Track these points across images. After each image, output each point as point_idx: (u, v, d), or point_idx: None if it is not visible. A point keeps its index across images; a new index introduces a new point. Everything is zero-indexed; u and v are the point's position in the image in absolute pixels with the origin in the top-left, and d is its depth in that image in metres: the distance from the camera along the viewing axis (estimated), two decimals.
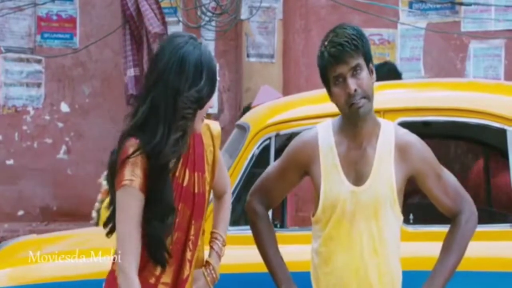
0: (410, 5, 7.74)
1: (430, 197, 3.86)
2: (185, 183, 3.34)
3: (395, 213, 3.71)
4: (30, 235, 6.56)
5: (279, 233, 4.31)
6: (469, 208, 3.81)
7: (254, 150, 4.85)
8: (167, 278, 3.36)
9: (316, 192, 3.75)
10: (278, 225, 4.86)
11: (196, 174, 3.38)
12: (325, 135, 3.74)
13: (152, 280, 3.34)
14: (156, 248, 3.28)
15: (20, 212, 7.86)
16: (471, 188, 5.73)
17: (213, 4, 7.22)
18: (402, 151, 3.71)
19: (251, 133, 4.90)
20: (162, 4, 7.37)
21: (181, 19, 7.61)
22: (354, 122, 3.68)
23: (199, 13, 7.24)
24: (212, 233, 3.64)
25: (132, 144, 3.21)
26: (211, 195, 3.66)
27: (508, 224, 4.71)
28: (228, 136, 5.52)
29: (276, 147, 4.84)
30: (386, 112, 4.60)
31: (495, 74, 7.46)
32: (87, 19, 7.91)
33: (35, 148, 7.89)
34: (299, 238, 4.55)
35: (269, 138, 4.85)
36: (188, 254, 3.38)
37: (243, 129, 5.06)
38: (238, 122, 5.44)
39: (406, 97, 5.05)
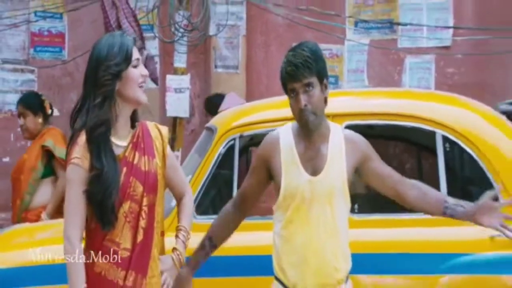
0: (356, 24, 7.77)
1: (378, 178, 3.90)
2: (135, 162, 3.41)
3: (345, 199, 3.83)
4: (24, 223, 6.55)
5: (243, 222, 4.33)
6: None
7: (221, 149, 4.88)
8: (126, 244, 3.39)
9: (276, 185, 3.82)
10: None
11: (145, 157, 3.45)
12: (285, 136, 3.83)
13: (114, 247, 3.37)
14: (102, 213, 3.32)
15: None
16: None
17: (185, 22, 7.20)
18: (350, 143, 3.82)
19: (218, 134, 4.93)
20: (140, 22, 7.37)
21: (157, 35, 7.61)
22: (307, 132, 3.77)
23: (172, 29, 7.23)
24: (177, 226, 3.68)
25: (75, 126, 3.38)
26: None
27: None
28: (199, 137, 5.53)
29: (240, 147, 4.89)
30: (335, 116, 4.65)
31: (426, 84, 7.54)
32: (74, 34, 7.89)
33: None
34: (261, 225, 4.57)
35: (234, 139, 4.88)
36: (142, 222, 3.41)
37: (211, 131, 5.08)
38: (207, 124, 5.47)
39: (352, 103, 5.10)
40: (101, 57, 3.35)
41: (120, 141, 3.41)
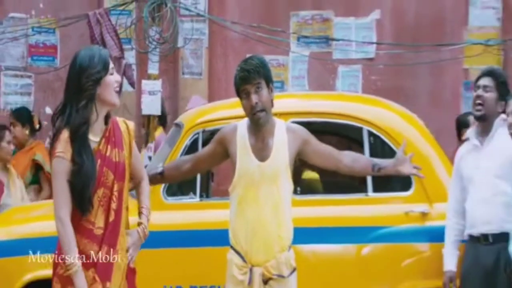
0: (298, 39, 7.79)
1: (319, 155, 3.95)
2: (107, 154, 3.42)
3: (288, 181, 3.86)
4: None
5: (206, 202, 4.34)
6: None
7: (187, 141, 4.87)
8: (100, 223, 3.41)
9: (233, 167, 3.83)
10: (205, 196, 4.85)
11: (116, 149, 3.44)
12: (241, 129, 3.88)
13: (90, 226, 3.38)
14: (81, 201, 3.34)
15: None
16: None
17: (157, 36, 7.18)
18: (291, 133, 3.88)
19: (185, 129, 4.91)
20: (120, 36, 7.31)
21: (134, 46, 7.56)
22: (257, 127, 3.79)
23: (147, 42, 7.20)
24: (140, 207, 3.66)
25: (59, 125, 3.37)
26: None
27: (363, 194, 4.80)
28: (168, 131, 5.50)
29: (203, 140, 4.86)
30: (282, 115, 4.67)
31: (355, 89, 7.60)
32: (65, 46, 7.83)
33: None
34: (220, 205, 4.57)
35: (198, 133, 4.87)
36: (113, 205, 3.42)
37: (179, 126, 5.07)
38: (175, 121, 5.44)
39: (295, 104, 5.12)
40: (84, 66, 3.33)
41: (94, 137, 3.40)
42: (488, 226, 4.28)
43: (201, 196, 4.76)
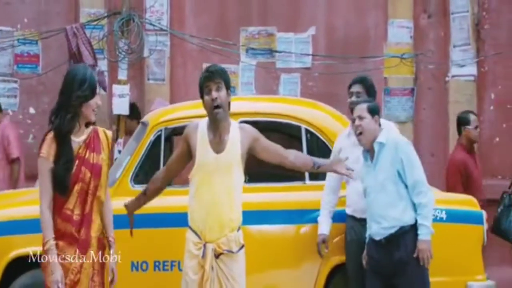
0: (247, 51, 7.77)
1: (266, 151, 3.95)
2: (86, 157, 3.55)
3: (240, 172, 3.83)
4: (8, 190, 6.35)
5: (168, 189, 4.29)
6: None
7: (151, 137, 4.83)
8: (77, 211, 3.55)
9: (193, 158, 3.79)
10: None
11: (94, 153, 3.59)
12: (202, 126, 3.86)
13: (69, 213, 3.54)
14: (61, 187, 3.49)
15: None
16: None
17: (126, 47, 7.11)
18: (243, 132, 3.91)
19: (150, 127, 4.86)
20: (94, 47, 7.22)
21: (106, 56, 7.47)
22: (215, 123, 3.76)
23: (117, 52, 7.12)
24: (108, 239, 3.75)
25: (50, 127, 3.58)
26: None
27: (301, 182, 4.81)
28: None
29: (165, 136, 4.81)
30: (233, 115, 4.63)
31: (295, 94, 7.62)
32: (46, 55, 7.67)
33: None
34: (180, 192, 4.53)
35: (161, 130, 4.84)
36: (89, 198, 3.57)
37: (145, 124, 5.00)
38: (141, 120, 5.36)
39: (245, 106, 5.10)
40: (75, 87, 3.52)
41: (77, 139, 3.57)
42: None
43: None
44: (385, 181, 4.12)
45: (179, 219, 4.13)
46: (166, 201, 4.60)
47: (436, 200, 4.72)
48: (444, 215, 4.60)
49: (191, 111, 4.91)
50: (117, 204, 4.58)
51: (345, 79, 7.54)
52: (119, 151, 6.88)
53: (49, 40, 7.44)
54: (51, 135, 3.53)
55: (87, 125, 3.63)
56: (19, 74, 7.64)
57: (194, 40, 7.54)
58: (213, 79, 3.77)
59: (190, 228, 3.84)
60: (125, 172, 4.74)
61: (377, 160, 4.19)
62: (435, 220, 4.55)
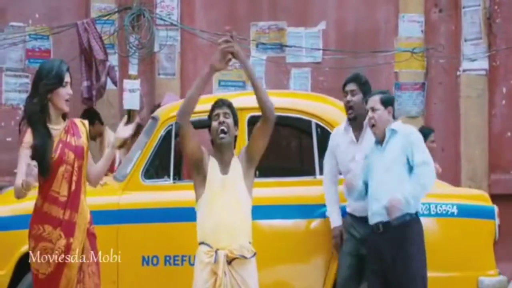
0: (257, 46, 7.74)
1: (255, 144, 3.98)
2: (67, 140, 3.69)
3: (247, 188, 3.93)
4: None
5: (178, 184, 4.28)
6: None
7: (162, 132, 4.82)
8: (64, 192, 3.64)
9: (203, 178, 3.91)
10: (177, 178, 4.79)
11: (74, 137, 3.71)
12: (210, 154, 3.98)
13: (55, 195, 3.62)
14: (42, 167, 3.54)
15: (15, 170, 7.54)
16: (296, 155, 5.81)
17: (136, 42, 7.11)
18: (241, 154, 3.98)
19: (160, 121, 4.85)
20: (105, 42, 7.22)
21: (116, 51, 7.47)
22: (220, 149, 3.78)
23: (128, 47, 7.13)
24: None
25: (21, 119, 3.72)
26: None
27: (312, 176, 4.78)
28: (146, 123, 5.43)
29: (176, 131, 4.79)
30: (243, 110, 4.62)
31: (305, 88, 7.60)
32: (57, 50, 7.68)
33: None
34: (190, 186, 4.51)
35: (171, 125, 4.82)
36: (74, 178, 3.66)
37: (155, 119, 4.99)
38: (152, 115, 5.36)
39: (255, 101, 5.04)
40: (43, 75, 3.63)
41: (55, 127, 3.68)
42: (365, 212, 4.31)
43: (174, 178, 4.70)
44: (391, 162, 4.08)
45: (189, 214, 4.11)
46: (177, 195, 4.59)
47: (447, 195, 4.70)
48: (455, 210, 4.55)
49: (201, 106, 4.87)
50: (127, 198, 4.60)
51: None
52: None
53: (60, 35, 7.44)
54: (29, 129, 3.63)
55: (64, 117, 3.73)
56: (31, 69, 7.64)
57: (205, 35, 7.52)
58: (222, 108, 3.93)
59: (202, 243, 3.86)
60: (135, 167, 4.73)
61: (387, 143, 4.16)
62: (447, 215, 4.51)
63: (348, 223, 4.45)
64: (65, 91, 3.66)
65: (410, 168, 4.08)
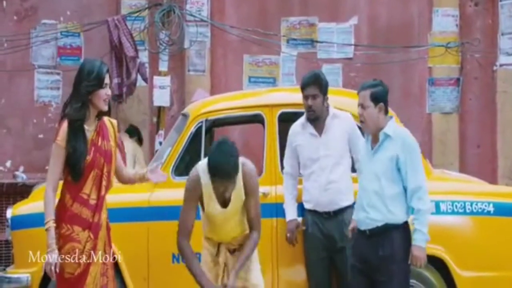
0: (288, 41, 7.71)
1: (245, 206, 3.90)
2: (99, 144, 3.76)
3: (244, 218, 3.90)
4: None
5: None
6: (259, 231, 3.96)
7: (192, 129, 4.81)
8: (93, 195, 3.73)
9: (202, 207, 3.92)
10: None
11: (105, 140, 3.78)
12: (204, 178, 3.85)
13: (86, 197, 3.70)
14: (75, 173, 3.67)
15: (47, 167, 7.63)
16: None
17: (167, 38, 7.13)
18: (243, 180, 3.85)
19: (190, 118, 4.85)
20: (135, 38, 7.27)
21: (147, 47, 7.51)
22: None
23: (158, 44, 7.16)
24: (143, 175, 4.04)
25: (63, 115, 3.77)
26: None
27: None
28: (176, 120, 5.44)
29: (206, 128, 4.79)
30: (274, 106, 4.57)
31: (336, 84, 7.57)
32: (88, 47, 7.75)
33: (56, 127, 7.66)
34: None
35: (202, 122, 4.81)
36: (104, 182, 3.75)
37: (186, 116, 5.00)
38: (182, 111, 5.36)
39: (285, 97, 5.04)
40: (83, 77, 3.68)
41: (89, 127, 3.74)
42: (330, 207, 4.36)
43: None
44: (380, 173, 3.85)
45: None
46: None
47: (483, 193, 4.61)
48: (491, 208, 4.46)
49: (231, 103, 4.88)
50: (157, 196, 4.62)
51: (388, 69, 7.48)
52: (160, 143, 6.91)
53: (91, 32, 7.52)
54: (65, 123, 3.69)
55: (99, 115, 3.78)
56: (62, 66, 7.74)
57: (235, 31, 7.52)
58: (223, 181, 3.75)
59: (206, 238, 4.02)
60: (166, 164, 4.74)
61: (378, 150, 3.90)
62: (483, 213, 4.42)
63: (311, 220, 4.41)
64: (104, 92, 3.72)
65: (400, 180, 3.87)
